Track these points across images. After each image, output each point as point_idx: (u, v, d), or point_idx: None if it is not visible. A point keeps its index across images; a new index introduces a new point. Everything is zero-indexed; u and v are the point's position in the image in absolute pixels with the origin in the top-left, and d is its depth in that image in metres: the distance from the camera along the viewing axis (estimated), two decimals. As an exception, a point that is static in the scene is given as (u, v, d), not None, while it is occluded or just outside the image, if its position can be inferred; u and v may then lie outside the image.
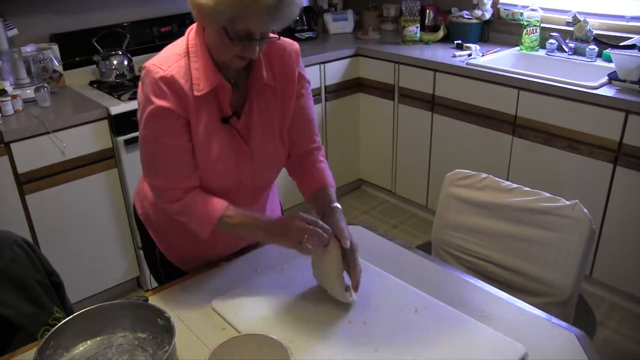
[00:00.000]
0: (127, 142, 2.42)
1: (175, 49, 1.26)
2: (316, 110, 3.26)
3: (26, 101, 2.41)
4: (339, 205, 1.35)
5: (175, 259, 1.52)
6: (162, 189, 1.31)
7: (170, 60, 1.23)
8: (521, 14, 3.01)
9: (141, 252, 2.60)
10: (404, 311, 1.26)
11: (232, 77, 1.28)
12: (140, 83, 1.28)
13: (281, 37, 1.27)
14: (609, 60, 2.55)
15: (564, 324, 1.24)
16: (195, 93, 1.22)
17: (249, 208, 1.44)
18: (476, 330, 1.19)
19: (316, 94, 3.16)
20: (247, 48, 1.18)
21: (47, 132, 2.22)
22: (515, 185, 1.64)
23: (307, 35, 3.48)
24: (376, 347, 1.16)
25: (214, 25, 1.15)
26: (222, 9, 1.10)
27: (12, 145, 2.17)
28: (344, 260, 1.26)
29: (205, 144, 1.28)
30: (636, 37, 2.56)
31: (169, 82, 1.21)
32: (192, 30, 1.27)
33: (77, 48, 2.71)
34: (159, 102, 1.21)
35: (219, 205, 1.29)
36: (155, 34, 2.96)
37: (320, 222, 1.24)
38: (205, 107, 1.26)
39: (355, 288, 1.28)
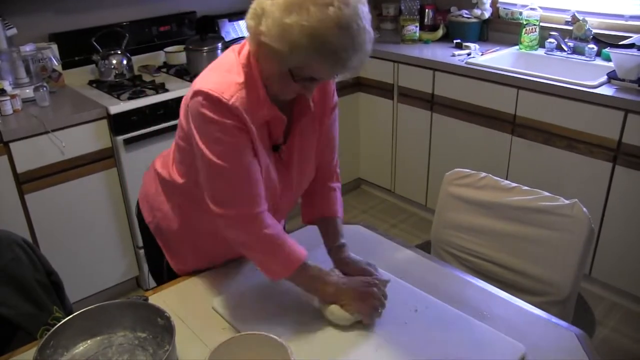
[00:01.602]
0: (127, 142, 2.42)
1: (231, 76, 1.15)
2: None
3: (25, 101, 2.41)
4: (345, 242, 1.36)
5: (185, 271, 1.46)
6: (249, 215, 1.19)
7: (231, 89, 1.13)
8: (520, 13, 3.01)
9: (141, 251, 2.60)
10: (403, 311, 1.26)
11: (277, 103, 1.20)
12: (190, 110, 1.16)
13: None
14: (608, 59, 2.55)
15: (563, 323, 1.24)
16: (253, 124, 1.16)
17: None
18: (476, 330, 1.20)
19: (315, 93, 3.15)
20: (308, 88, 1.14)
21: (47, 132, 2.21)
22: (514, 185, 1.64)
23: (306, 35, 3.47)
24: (376, 347, 1.16)
25: (279, 66, 1.08)
26: (295, 55, 1.03)
27: (12, 145, 2.16)
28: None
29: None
30: (635, 36, 2.57)
31: (233, 112, 1.12)
32: (241, 53, 1.17)
33: (76, 47, 2.71)
34: (229, 121, 1.12)
35: (302, 251, 1.24)
36: (154, 34, 2.96)
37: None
38: (258, 135, 1.20)
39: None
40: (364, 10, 1.06)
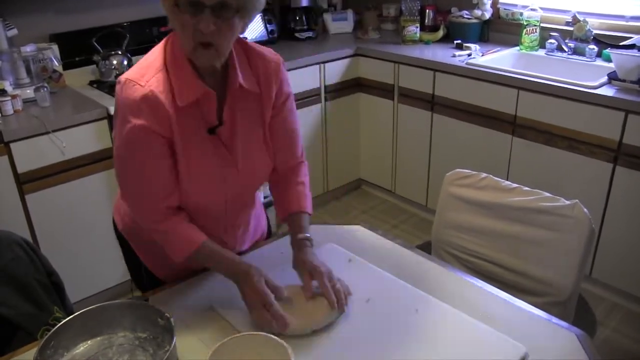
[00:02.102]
0: (127, 142, 2.41)
1: (152, 61, 1.21)
2: (316, 110, 3.27)
3: (26, 101, 2.41)
4: (308, 235, 1.33)
5: (162, 274, 1.47)
6: (140, 209, 1.28)
7: (148, 73, 1.18)
8: (521, 14, 3.01)
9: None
10: (404, 311, 1.26)
11: (210, 85, 1.22)
12: (116, 96, 1.21)
13: (263, 47, 1.27)
14: (609, 60, 2.55)
15: (564, 323, 1.24)
16: (179, 104, 1.18)
17: (235, 228, 1.44)
18: (477, 330, 1.19)
19: (316, 94, 3.16)
20: (200, 21, 1.10)
21: (47, 132, 2.22)
22: (515, 185, 1.64)
23: (306, 35, 3.48)
24: (377, 346, 1.16)
25: (166, 3, 1.11)
26: None
27: (12, 145, 2.16)
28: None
29: (190, 158, 1.24)
30: (636, 36, 2.56)
31: (148, 98, 1.16)
32: (168, 41, 1.22)
33: (77, 48, 2.71)
34: (137, 121, 1.16)
35: (200, 235, 1.27)
36: (154, 34, 2.96)
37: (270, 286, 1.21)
38: (187, 120, 1.21)
39: (336, 304, 1.22)
40: None
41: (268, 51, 1.33)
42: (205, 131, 1.25)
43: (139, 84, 1.16)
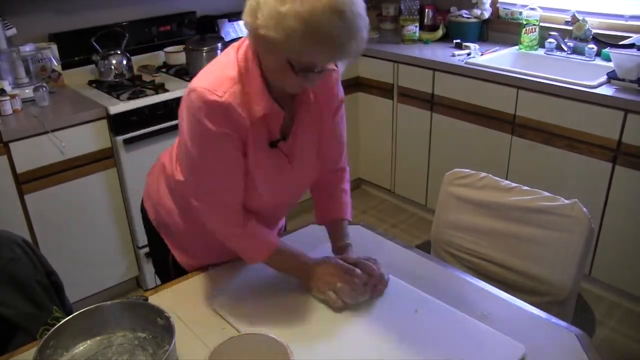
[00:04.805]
0: (126, 142, 2.41)
1: (226, 71, 1.17)
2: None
3: (25, 101, 2.41)
4: (349, 242, 1.41)
5: (191, 265, 1.48)
6: (221, 213, 1.26)
7: (224, 85, 1.14)
8: (520, 13, 3.02)
9: (141, 251, 2.60)
10: (404, 311, 1.26)
11: (278, 97, 1.21)
12: (184, 105, 1.19)
13: None
14: (608, 59, 2.55)
15: (563, 323, 1.24)
16: (249, 118, 1.17)
17: (275, 226, 1.49)
18: (476, 330, 1.20)
19: (315, 93, 3.15)
20: (308, 79, 1.13)
21: (46, 132, 2.21)
22: (514, 185, 1.64)
23: (306, 35, 3.47)
24: (376, 346, 1.16)
25: (278, 57, 1.09)
26: (291, 44, 1.03)
27: (11, 145, 2.16)
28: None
29: (254, 167, 1.24)
30: (635, 36, 2.57)
31: (225, 108, 1.14)
32: (240, 48, 1.19)
33: (76, 47, 2.71)
34: (216, 128, 1.14)
35: (274, 238, 1.33)
36: (154, 34, 2.96)
37: (356, 271, 1.28)
38: (256, 130, 1.21)
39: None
40: None
41: None
42: (267, 143, 1.25)
43: (217, 94, 1.13)
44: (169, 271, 1.51)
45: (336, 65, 1.23)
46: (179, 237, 1.46)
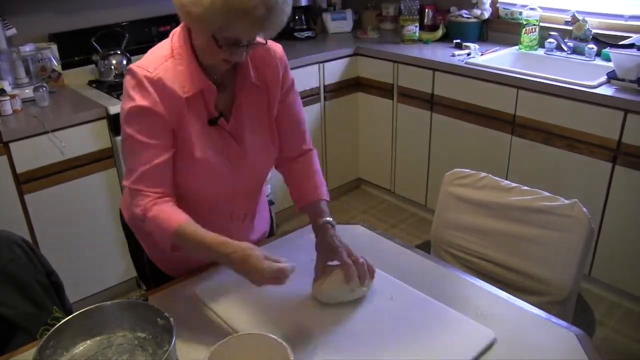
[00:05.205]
0: (126, 142, 2.41)
1: (160, 51, 1.25)
2: (315, 110, 3.27)
3: (25, 101, 2.41)
4: (329, 219, 1.35)
5: (164, 266, 1.49)
6: (134, 190, 1.24)
7: (156, 62, 1.22)
8: (520, 13, 3.02)
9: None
10: (379, 298, 1.28)
11: (218, 78, 1.27)
12: (124, 84, 1.24)
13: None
14: (608, 59, 2.55)
15: (563, 323, 1.24)
16: (182, 95, 1.21)
17: (241, 218, 1.45)
18: (449, 317, 1.23)
19: (315, 93, 3.16)
20: (235, 53, 1.18)
21: (46, 132, 2.21)
22: (514, 185, 1.64)
23: (306, 35, 3.48)
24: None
25: (202, 32, 1.15)
26: (211, 18, 1.10)
27: (11, 145, 2.16)
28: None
29: (198, 148, 1.26)
30: (635, 36, 2.57)
31: (156, 83, 1.19)
32: (176, 32, 1.26)
33: (76, 47, 2.71)
34: (141, 102, 1.19)
35: (180, 216, 1.21)
36: (154, 34, 2.96)
37: (279, 262, 1.14)
38: (194, 110, 1.24)
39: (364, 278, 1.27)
40: None
41: (271, 43, 1.35)
42: (206, 121, 1.27)
43: (147, 71, 1.20)
44: (146, 271, 1.52)
45: (266, 42, 1.23)
46: (150, 238, 1.43)
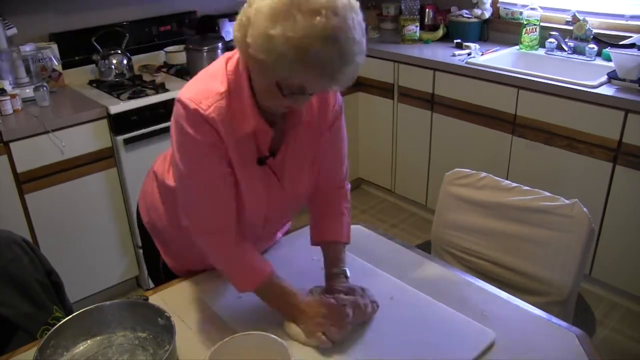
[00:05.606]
0: (127, 142, 2.41)
1: (214, 83, 1.13)
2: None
3: (25, 100, 2.41)
4: (344, 270, 1.31)
5: (180, 271, 1.47)
6: (211, 231, 1.20)
7: (210, 98, 1.11)
8: (521, 13, 3.01)
9: (141, 251, 2.60)
10: (379, 299, 1.27)
11: (270, 116, 1.16)
12: (172, 116, 1.16)
13: None
14: (609, 59, 2.55)
15: (563, 323, 1.24)
16: (236, 135, 1.13)
17: (267, 239, 1.45)
18: (449, 317, 1.23)
19: (315, 93, 3.15)
20: (297, 101, 1.08)
21: (47, 132, 2.21)
22: (514, 185, 1.64)
23: (306, 35, 3.47)
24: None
25: (266, 77, 1.04)
26: (281, 66, 0.97)
27: (12, 145, 2.16)
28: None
29: (241, 185, 1.20)
30: (635, 36, 2.56)
31: (208, 121, 1.10)
32: (230, 61, 1.14)
33: (76, 47, 2.71)
34: (200, 137, 1.11)
35: (266, 267, 1.22)
36: (154, 33, 2.96)
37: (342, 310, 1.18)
38: (243, 147, 1.17)
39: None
40: (356, 19, 1.00)
41: None
42: (255, 160, 1.20)
43: (201, 107, 1.10)
44: (160, 274, 1.50)
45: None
46: (169, 244, 1.45)
